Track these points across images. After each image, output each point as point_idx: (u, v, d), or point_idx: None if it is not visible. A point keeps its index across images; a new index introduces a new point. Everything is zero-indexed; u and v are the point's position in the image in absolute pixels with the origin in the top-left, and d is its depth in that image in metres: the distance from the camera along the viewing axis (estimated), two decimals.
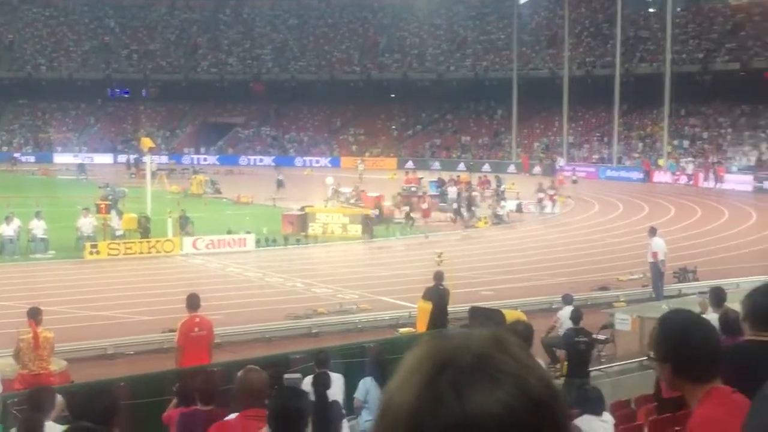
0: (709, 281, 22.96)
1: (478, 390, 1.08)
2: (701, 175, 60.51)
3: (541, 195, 46.03)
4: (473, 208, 41.81)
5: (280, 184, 51.91)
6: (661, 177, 64.23)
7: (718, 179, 58.85)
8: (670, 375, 3.57)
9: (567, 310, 17.17)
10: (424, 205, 42.98)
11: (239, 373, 6.45)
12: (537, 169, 68.53)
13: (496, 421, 1.06)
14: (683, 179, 62.28)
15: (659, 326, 3.67)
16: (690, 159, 65.56)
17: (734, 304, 9.41)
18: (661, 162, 66.21)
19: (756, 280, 16.43)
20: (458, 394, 1.07)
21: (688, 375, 3.56)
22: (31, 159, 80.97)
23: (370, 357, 12.79)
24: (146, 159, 41.06)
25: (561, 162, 67.77)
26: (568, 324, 15.93)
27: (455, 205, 42.00)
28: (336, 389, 11.40)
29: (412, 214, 40.66)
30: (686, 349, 3.62)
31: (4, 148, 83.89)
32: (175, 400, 10.28)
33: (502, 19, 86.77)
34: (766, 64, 70.32)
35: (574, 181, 60.68)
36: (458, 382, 1.08)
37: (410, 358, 1.16)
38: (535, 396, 1.09)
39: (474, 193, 44.00)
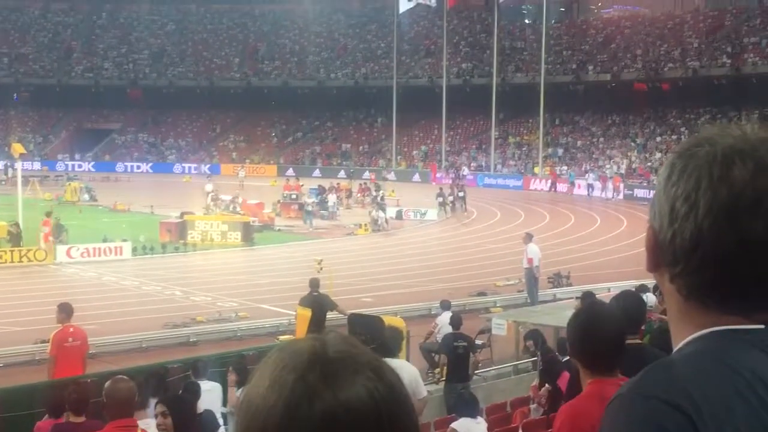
0: (582, 286, 23.59)
1: (345, 379, 1.21)
2: (599, 185, 61.08)
3: (440, 200, 48.00)
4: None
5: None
6: (537, 185, 65.65)
7: (616, 190, 59.56)
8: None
9: (445, 316, 17.34)
10: None
11: (107, 384, 6.32)
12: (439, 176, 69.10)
13: (364, 404, 1.19)
14: (562, 187, 63.48)
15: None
16: (564, 168, 67.19)
17: None
18: (536, 170, 67.70)
19: (625, 284, 16.99)
20: (329, 384, 1.20)
21: (581, 365, 3.80)
22: None
23: (237, 367, 12.14)
24: (17, 165, 39.89)
25: (465, 170, 68.82)
26: (447, 329, 16.09)
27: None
28: (213, 398, 11.27)
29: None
30: (571, 337, 3.90)
31: None
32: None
33: (381, 27, 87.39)
34: (635, 76, 72.86)
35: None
36: (328, 374, 1.21)
37: (272, 362, 1.25)
38: (389, 381, 1.24)
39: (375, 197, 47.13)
